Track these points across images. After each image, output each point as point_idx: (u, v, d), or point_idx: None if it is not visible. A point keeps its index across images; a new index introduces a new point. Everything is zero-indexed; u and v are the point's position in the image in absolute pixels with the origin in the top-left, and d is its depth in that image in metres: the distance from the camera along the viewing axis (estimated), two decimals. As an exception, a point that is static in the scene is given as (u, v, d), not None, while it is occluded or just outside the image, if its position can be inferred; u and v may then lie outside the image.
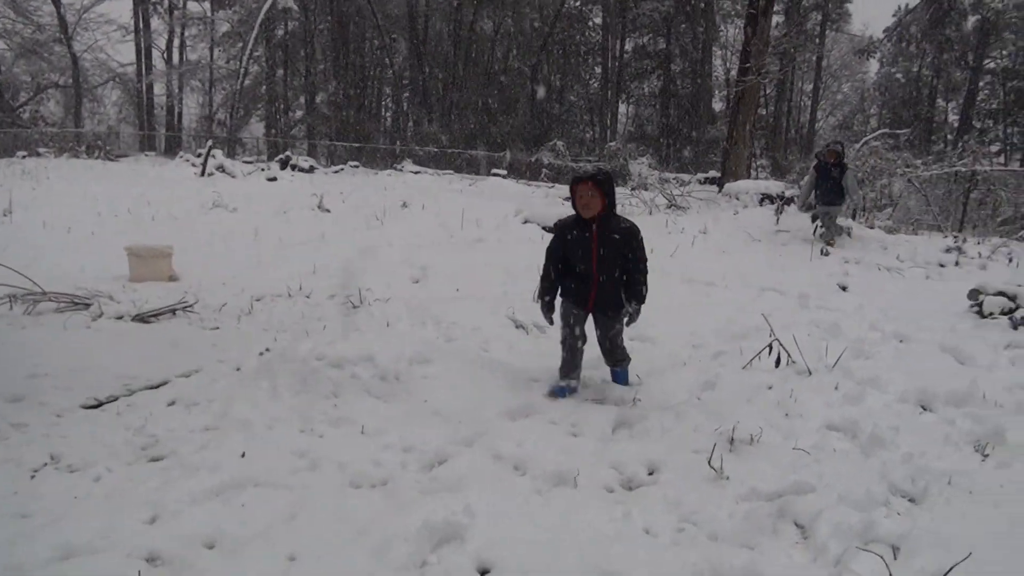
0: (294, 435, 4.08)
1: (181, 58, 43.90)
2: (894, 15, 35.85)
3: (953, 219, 14.07)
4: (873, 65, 41.70)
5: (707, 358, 5.79)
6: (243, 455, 3.77)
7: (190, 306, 6.77)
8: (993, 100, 37.96)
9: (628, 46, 41.40)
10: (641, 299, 4.83)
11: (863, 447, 4.14)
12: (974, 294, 7.16)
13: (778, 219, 11.22)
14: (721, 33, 40.49)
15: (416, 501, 3.39)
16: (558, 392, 4.89)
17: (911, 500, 3.52)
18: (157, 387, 4.84)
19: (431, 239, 10.73)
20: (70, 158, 23.90)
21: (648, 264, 4.85)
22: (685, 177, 20.44)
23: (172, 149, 36.02)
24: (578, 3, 40.94)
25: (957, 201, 14.35)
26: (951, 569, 2.77)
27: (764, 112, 35.42)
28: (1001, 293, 6.95)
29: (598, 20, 41.11)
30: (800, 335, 5.86)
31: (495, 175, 24.76)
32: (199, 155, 21.19)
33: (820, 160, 10.49)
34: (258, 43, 34.75)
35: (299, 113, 44.84)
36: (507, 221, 12.02)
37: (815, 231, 10.39)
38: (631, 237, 4.72)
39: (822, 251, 9.76)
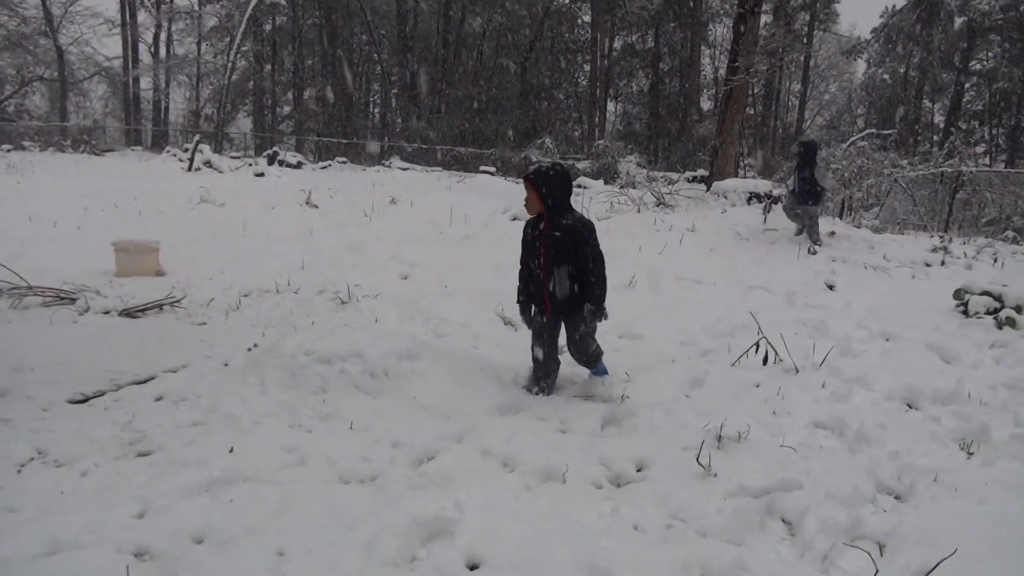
0: (283, 430, 4.07)
1: (168, 52, 43.67)
2: (881, 16, 36.09)
3: (939, 219, 14.16)
4: (860, 66, 41.97)
5: (695, 355, 5.81)
6: (231, 450, 3.76)
7: (177, 301, 6.74)
8: (979, 101, 38.25)
9: (617, 44, 41.45)
10: (594, 299, 4.69)
11: (850, 444, 4.17)
12: (960, 294, 7.21)
13: (766, 218, 11.26)
14: (709, 32, 40.56)
15: (405, 496, 3.38)
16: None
17: (897, 497, 3.55)
18: (144, 382, 4.81)
19: (419, 235, 10.73)
20: (55, 152, 23.77)
21: (603, 263, 4.71)
22: (673, 175, 20.48)
23: (159, 144, 35.85)
24: (567, 1, 40.96)
25: (943, 201, 14.44)
26: (937, 566, 2.80)
27: (752, 111, 35.54)
28: (986, 293, 7.01)
29: (587, 18, 41.12)
30: (787, 333, 5.89)
31: (483, 172, 24.75)
32: (186, 150, 21.10)
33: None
34: (246, 38, 34.63)
35: (287, 109, 44.69)
36: (495, 218, 12.02)
37: (797, 232, 10.41)
38: (575, 234, 4.60)
39: (809, 250, 9.81)
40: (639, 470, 3.85)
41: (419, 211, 12.89)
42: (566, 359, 5.10)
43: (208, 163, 19.68)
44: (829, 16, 40.15)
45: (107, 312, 6.34)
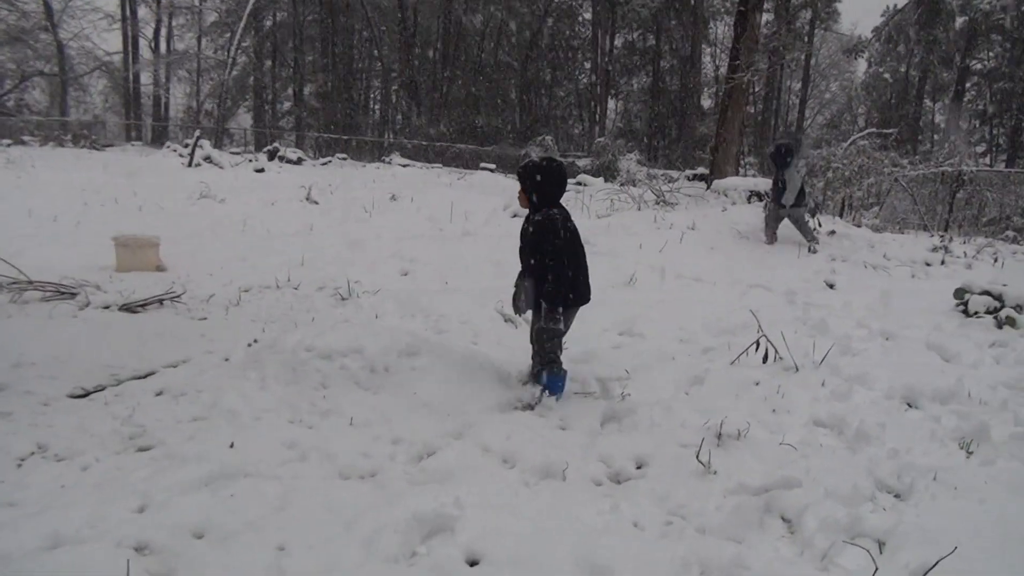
0: (283, 426, 4.07)
1: (168, 47, 43.64)
2: (882, 15, 36.01)
3: (939, 218, 14.16)
4: (861, 65, 41.88)
5: (696, 353, 5.81)
6: (232, 446, 3.76)
7: (178, 296, 6.74)
8: (979, 101, 38.22)
9: (618, 42, 41.40)
10: (546, 298, 4.51)
11: (849, 443, 4.17)
12: (960, 293, 7.21)
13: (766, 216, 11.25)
14: (710, 30, 40.55)
15: (405, 493, 3.39)
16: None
17: (897, 496, 3.56)
18: (145, 377, 4.81)
19: (420, 232, 10.73)
20: (56, 147, 23.74)
21: (562, 264, 4.47)
22: (674, 173, 20.53)
23: (159, 139, 35.83)
24: (568, -2, 40.94)
25: (943, 201, 14.44)
26: (936, 564, 2.80)
27: (753, 110, 35.51)
28: (986, 292, 7.01)
29: (588, 15, 41.08)
30: (787, 331, 5.89)
31: (484, 169, 24.74)
32: (186, 145, 21.09)
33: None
34: (246, 33, 34.60)
35: (287, 104, 44.66)
36: (496, 215, 12.01)
37: (768, 240, 10.24)
38: (539, 230, 4.50)
39: (810, 249, 9.80)
40: (639, 467, 3.85)
41: (419, 208, 12.89)
42: (572, 356, 5.09)
43: (208, 159, 19.67)
44: (830, 15, 40.04)
45: (107, 307, 6.34)
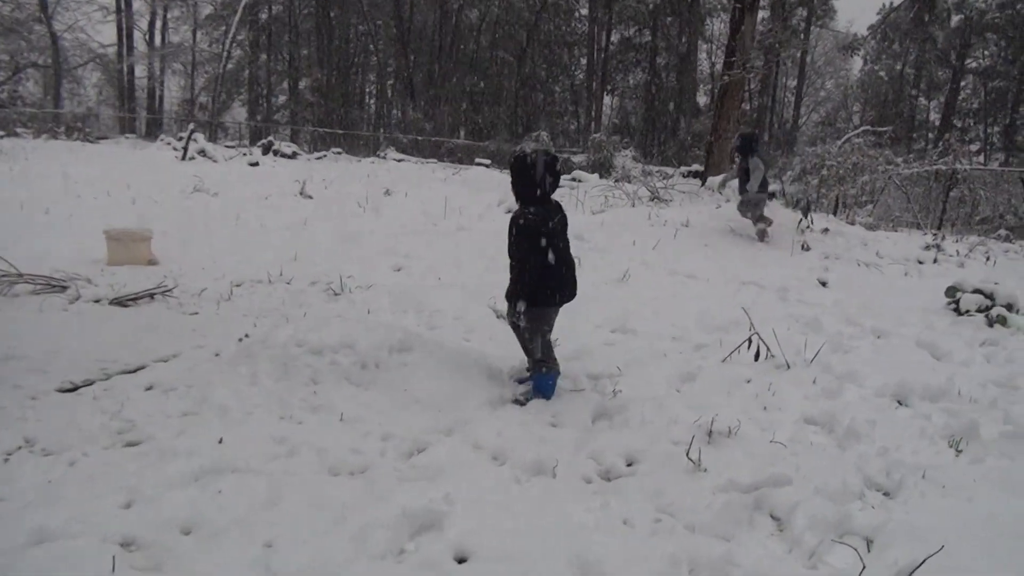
0: (273, 421, 4.06)
1: (163, 40, 43.41)
2: (879, 12, 36.06)
3: (932, 217, 14.19)
4: (857, 62, 41.92)
5: (688, 350, 5.81)
6: (221, 441, 3.74)
7: (169, 290, 6.71)
8: (974, 100, 38.30)
9: (614, 38, 41.35)
10: (507, 295, 4.56)
11: (840, 440, 4.18)
12: (951, 291, 7.23)
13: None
14: (707, 27, 40.52)
15: (395, 489, 3.38)
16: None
17: (886, 493, 3.57)
18: (134, 371, 4.79)
19: (414, 227, 10.70)
20: (49, 139, 23.61)
21: (524, 262, 4.41)
22: (668, 170, 20.51)
23: (153, 132, 35.68)
24: (564, -7, 40.87)
25: (937, 199, 14.48)
26: (924, 562, 2.81)
27: (748, 107, 35.51)
28: (978, 291, 7.03)
29: (584, 11, 41.02)
30: (779, 329, 5.90)
31: (479, 164, 24.70)
32: (180, 138, 21.00)
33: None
34: (241, 27, 34.48)
35: (282, 98, 44.53)
36: (490, 210, 11.99)
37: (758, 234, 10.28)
38: (510, 228, 4.44)
39: (803, 246, 9.81)
40: (629, 465, 3.86)
41: (414, 203, 12.86)
42: (565, 353, 5.09)
43: (202, 152, 19.57)
44: (826, 12, 40.08)
45: (98, 301, 6.31)
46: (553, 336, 5.28)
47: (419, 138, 32.13)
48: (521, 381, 4.85)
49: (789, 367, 5.30)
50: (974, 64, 37.02)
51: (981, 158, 33.18)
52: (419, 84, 38.10)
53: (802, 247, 9.78)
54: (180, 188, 13.29)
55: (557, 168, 4.51)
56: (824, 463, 3.84)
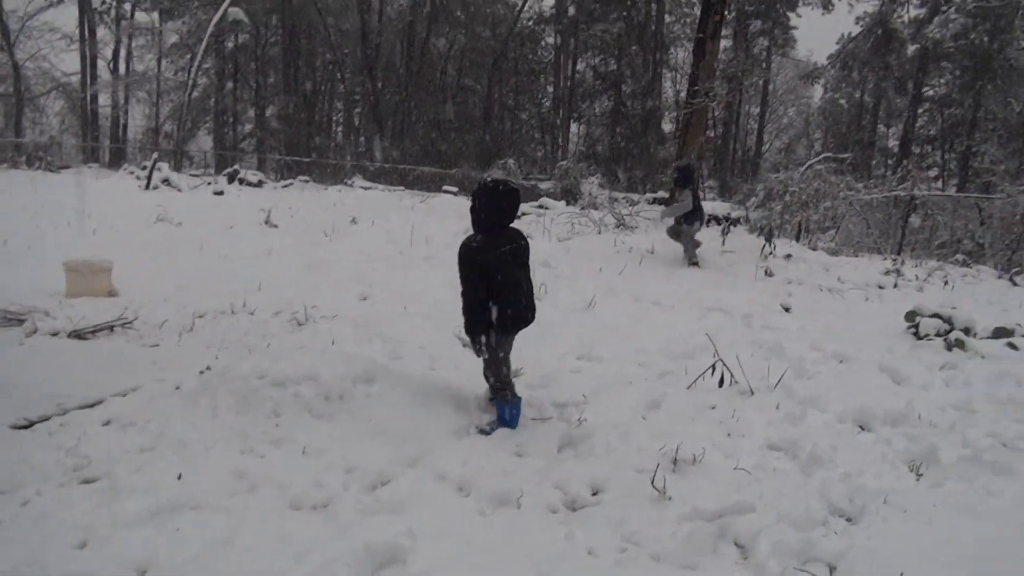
0: (233, 456, 3.99)
1: (128, 69, 43.09)
2: (838, 42, 36.89)
3: (892, 242, 14.44)
4: (818, 90, 42.75)
5: (653, 377, 5.83)
6: (180, 477, 3.68)
7: (129, 322, 6.61)
8: (931, 127, 39.16)
9: (580, 66, 41.82)
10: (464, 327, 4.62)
11: (803, 466, 4.21)
12: (911, 316, 7.35)
13: (724, 240, 11.39)
14: (671, 56, 41.14)
15: (358, 523, 3.34)
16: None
17: (848, 519, 3.59)
18: (92, 406, 4.69)
19: (380, 255, 10.66)
20: (9, 168, 23.29)
21: (464, 295, 4.53)
22: (635, 196, 20.70)
23: (117, 161, 35.27)
24: (531, 22, 41.27)
25: (896, 224, 14.75)
26: (885, 588, 2.82)
27: (712, 134, 36.03)
28: (936, 315, 7.15)
29: (551, 40, 41.48)
30: (743, 355, 5.94)
31: (446, 192, 24.74)
32: (144, 167, 20.78)
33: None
34: (207, 55, 34.36)
35: (248, 127, 44.32)
36: (457, 238, 11.81)
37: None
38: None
39: (766, 272, 9.92)
40: (595, 494, 3.84)
41: (380, 231, 12.82)
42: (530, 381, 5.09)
43: (167, 181, 19.39)
44: (787, 42, 40.95)
45: (56, 334, 6.20)
46: (519, 364, 5.29)
47: (386, 166, 32.14)
48: (485, 431, 4.68)
49: (753, 393, 5.33)
50: (931, 92, 37.93)
51: (939, 184, 33.91)
52: (386, 112, 38.17)
53: (765, 273, 9.90)
54: (143, 218, 13.13)
55: (503, 201, 4.52)
56: (788, 489, 3.86)
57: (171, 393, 4.93)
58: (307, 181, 26.69)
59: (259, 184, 23.43)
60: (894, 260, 11.64)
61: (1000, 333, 7.00)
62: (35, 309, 6.69)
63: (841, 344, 6.74)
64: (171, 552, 3.02)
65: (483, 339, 4.53)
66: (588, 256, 10.36)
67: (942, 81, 36.62)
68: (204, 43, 27.54)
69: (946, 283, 10.17)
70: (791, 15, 39.25)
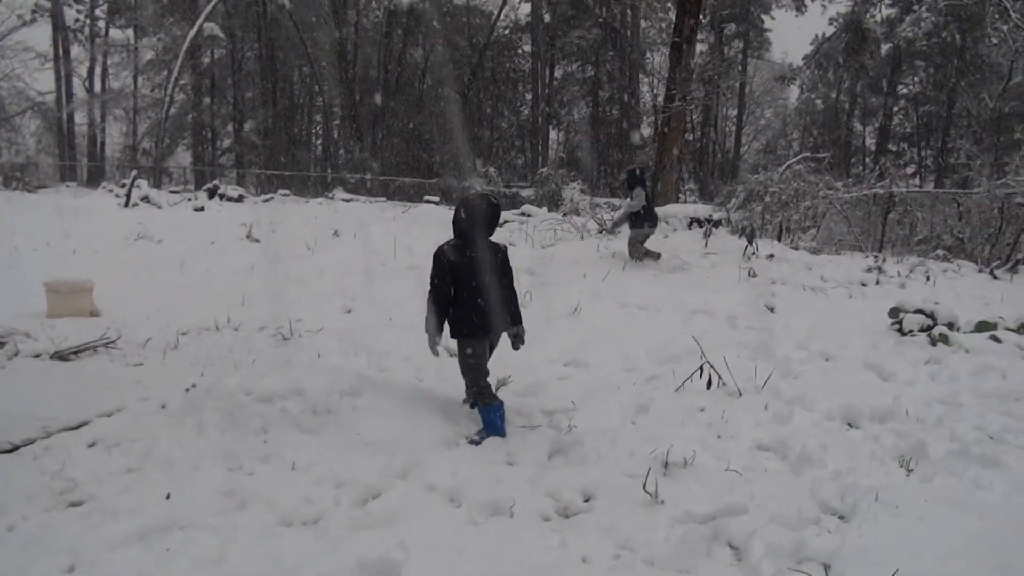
0: (221, 474, 3.95)
1: (103, 86, 42.77)
2: (812, 43, 37.25)
3: (873, 239, 14.54)
4: (794, 91, 43.13)
5: (641, 382, 5.83)
6: (167, 497, 3.64)
7: (112, 342, 6.54)
8: (907, 124, 39.59)
9: (557, 73, 41.98)
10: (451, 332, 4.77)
11: (793, 466, 4.21)
12: (894, 312, 7.39)
13: (707, 242, 11.43)
14: (647, 60, 41.36)
15: (349, 538, 3.32)
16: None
17: (841, 517, 3.59)
18: (77, 428, 4.64)
19: (363, 267, 10.62)
20: (-15, 190, 23.06)
21: (430, 291, 4.73)
22: (616, 202, 20.74)
23: (95, 180, 35.02)
24: (507, 31, 41.41)
25: (876, 222, 14.84)
26: (879, 585, 2.82)
27: (691, 137, 36.24)
28: (920, 311, 7.19)
29: (527, 48, 41.60)
30: (730, 356, 5.95)
31: (428, 202, 24.72)
32: (123, 185, 20.64)
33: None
34: (184, 71, 34.21)
35: (227, 142, 44.13)
36: (440, 248, 11.94)
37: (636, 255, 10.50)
38: None
39: (749, 272, 9.95)
40: (587, 500, 3.84)
41: (362, 243, 12.78)
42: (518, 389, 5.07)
43: (146, 198, 19.27)
44: (762, 44, 41.34)
45: (38, 355, 6.13)
46: (506, 372, 5.28)
47: (367, 177, 32.08)
48: (475, 441, 4.67)
49: (741, 394, 5.34)
50: (905, 90, 38.35)
51: (916, 180, 34.28)
52: (365, 124, 38.13)
53: (749, 273, 9.92)
54: (123, 236, 13.04)
55: (484, 214, 4.71)
56: (779, 489, 3.86)
57: (156, 412, 4.88)
58: (288, 195, 26.59)
59: (240, 199, 23.31)
60: (876, 257, 11.72)
61: (983, 327, 7.05)
62: (16, 331, 6.61)
63: (826, 342, 6.77)
64: (160, 573, 2.98)
65: (437, 339, 4.70)
66: (572, 262, 10.36)
67: (915, 79, 37.05)
68: (180, 59, 27.47)
69: (928, 278, 10.24)
70: (765, 18, 39.65)
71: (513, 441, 4.55)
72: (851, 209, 15.15)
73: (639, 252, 10.36)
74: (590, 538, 3.42)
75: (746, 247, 10.78)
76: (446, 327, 4.74)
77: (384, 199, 27.12)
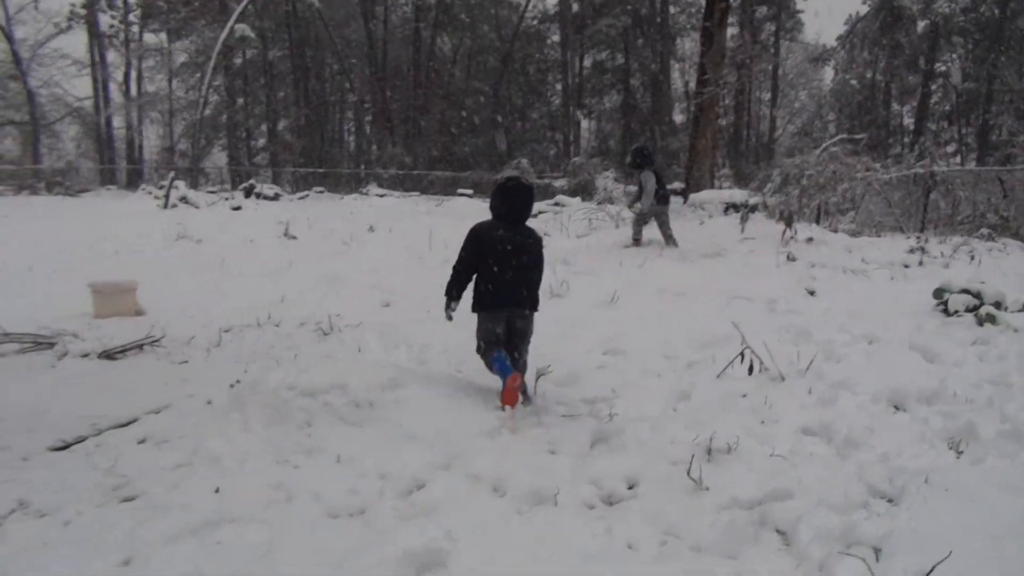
0: (268, 468, 4.01)
1: (139, 90, 43.46)
2: (846, 23, 36.61)
3: (914, 220, 14.27)
4: (828, 72, 42.45)
5: (680, 368, 5.80)
6: (217, 491, 3.69)
7: (157, 340, 6.66)
8: (946, 102, 38.76)
9: (587, 62, 41.76)
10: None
11: (839, 450, 4.17)
12: (939, 293, 7.26)
13: (743, 227, 11.33)
14: (677, 46, 40.95)
15: (395, 529, 3.34)
16: None
17: (890, 500, 3.54)
18: (126, 425, 4.73)
19: (400, 262, 10.70)
20: (29, 195, 23.58)
21: (458, 260, 5.20)
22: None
23: (134, 182, 35.66)
24: (536, 21, 41.27)
25: (917, 202, 14.55)
26: (933, 569, 2.78)
27: (724, 122, 35.83)
28: (965, 291, 7.06)
29: (556, 37, 41.43)
30: (771, 341, 5.89)
31: (461, 195, 24.76)
32: (161, 187, 20.98)
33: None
34: (217, 72, 34.58)
35: (262, 141, 44.59)
36: (475, 240, 11.98)
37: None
38: None
39: (788, 256, 9.84)
40: (630, 488, 3.82)
41: (398, 237, 12.87)
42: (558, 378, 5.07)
43: (184, 199, 19.58)
44: (794, 25, 40.67)
45: (86, 355, 6.26)
46: (544, 362, 5.28)
47: (400, 172, 32.22)
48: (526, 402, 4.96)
49: (783, 379, 5.29)
50: (943, 68, 37.52)
51: (958, 159, 33.57)
52: (397, 118, 38.29)
53: (787, 257, 9.81)
54: (163, 236, 13.26)
55: (516, 195, 5.06)
56: (825, 473, 3.82)
57: (203, 408, 4.97)
58: (322, 192, 26.82)
59: (275, 197, 23.57)
60: (918, 238, 11.51)
61: (1031, 306, 6.91)
62: (64, 332, 6.76)
63: (869, 325, 6.68)
64: (214, 566, 3.03)
65: (453, 305, 5.16)
66: (608, 251, 10.34)
67: (954, 56, 36.22)
68: (213, 61, 27.76)
69: (972, 258, 10.03)
70: (797, -1, 39.00)
71: (555, 430, 4.56)
72: (891, 190, 14.89)
73: (639, 232, 10.38)
74: (635, 525, 3.41)
75: (784, 231, 10.66)
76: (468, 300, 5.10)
77: (418, 193, 27.22)
